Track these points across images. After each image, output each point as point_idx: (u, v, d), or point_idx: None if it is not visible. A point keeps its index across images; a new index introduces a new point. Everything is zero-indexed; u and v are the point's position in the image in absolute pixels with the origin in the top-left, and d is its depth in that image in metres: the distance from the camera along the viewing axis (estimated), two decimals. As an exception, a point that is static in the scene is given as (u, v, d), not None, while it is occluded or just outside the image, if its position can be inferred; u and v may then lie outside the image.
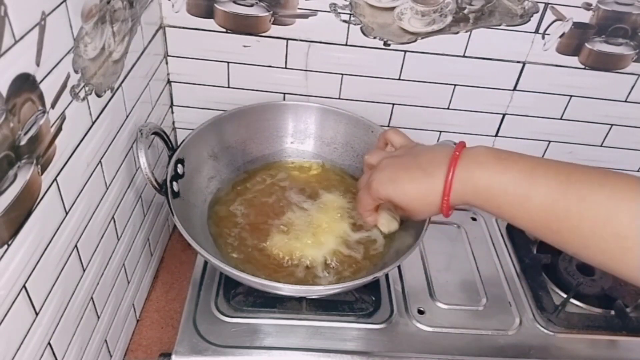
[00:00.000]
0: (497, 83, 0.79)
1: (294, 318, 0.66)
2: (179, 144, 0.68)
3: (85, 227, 0.52)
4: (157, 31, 0.71)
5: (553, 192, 0.49)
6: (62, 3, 0.42)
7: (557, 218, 0.48)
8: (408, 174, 0.57)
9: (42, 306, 0.44)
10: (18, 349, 0.41)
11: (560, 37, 0.74)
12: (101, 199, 0.55)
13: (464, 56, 0.76)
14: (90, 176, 0.51)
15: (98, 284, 0.56)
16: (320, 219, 0.70)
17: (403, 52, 0.75)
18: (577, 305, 0.73)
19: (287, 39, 0.74)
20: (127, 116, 0.61)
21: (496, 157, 0.52)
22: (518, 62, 0.77)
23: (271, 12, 0.72)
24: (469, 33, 0.74)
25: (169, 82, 0.79)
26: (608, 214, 0.46)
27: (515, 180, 0.50)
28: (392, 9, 0.71)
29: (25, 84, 0.38)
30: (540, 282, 0.75)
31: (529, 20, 0.72)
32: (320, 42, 0.75)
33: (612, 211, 0.46)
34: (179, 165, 0.67)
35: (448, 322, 0.68)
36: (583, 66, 0.77)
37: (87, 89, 0.49)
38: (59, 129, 0.44)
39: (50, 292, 0.45)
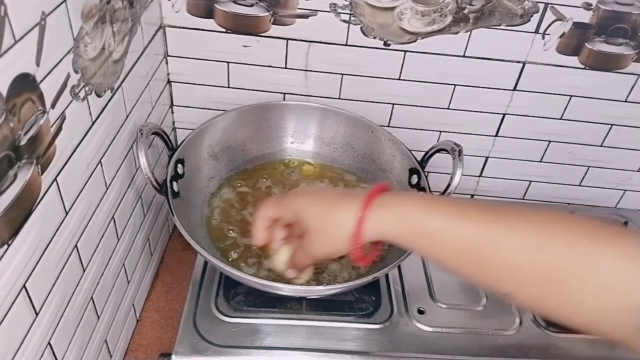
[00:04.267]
0: (497, 83, 0.79)
1: (294, 318, 0.66)
2: (179, 144, 0.68)
3: (85, 227, 0.52)
4: (157, 31, 0.71)
5: (481, 228, 0.45)
6: (62, 3, 0.42)
7: (480, 254, 0.45)
8: (325, 194, 0.54)
9: (42, 306, 0.44)
10: (18, 349, 0.41)
11: (560, 37, 0.74)
12: (101, 199, 0.55)
13: (464, 56, 0.76)
14: (90, 176, 0.51)
15: (98, 284, 0.56)
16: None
17: (403, 52, 0.75)
18: (577, 305, 0.73)
19: (287, 39, 0.74)
20: (127, 116, 0.61)
21: (421, 195, 0.50)
22: (518, 62, 0.77)
23: (271, 12, 0.72)
24: (469, 33, 0.74)
25: (169, 82, 0.79)
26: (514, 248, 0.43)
27: (442, 216, 0.46)
28: (392, 9, 0.71)
29: (25, 84, 0.38)
30: (540, 282, 0.75)
31: (529, 20, 0.72)
32: (320, 42, 0.75)
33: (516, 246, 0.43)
34: (179, 165, 0.67)
35: (448, 322, 0.68)
36: (583, 66, 0.77)
37: (87, 89, 0.49)
38: (59, 129, 0.44)
39: (50, 292, 0.45)
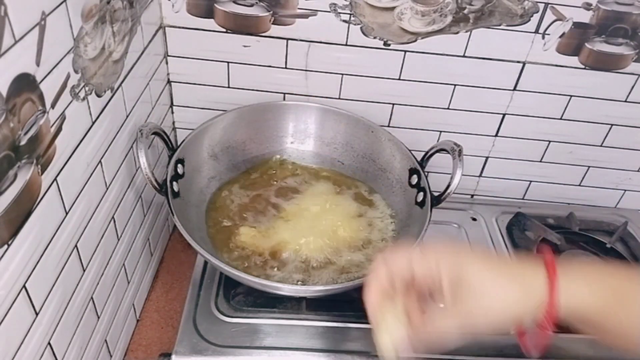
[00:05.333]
0: (497, 83, 0.79)
1: (294, 318, 0.66)
2: (179, 144, 0.68)
3: (85, 227, 0.52)
4: (157, 31, 0.71)
5: None
6: (62, 3, 0.42)
7: None
8: (491, 260, 0.42)
9: (42, 306, 0.44)
10: (18, 349, 0.41)
11: (560, 37, 0.74)
12: (101, 199, 0.55)
13: (464, 56, 0.76)
14: (90, 176, 0.51)
15: (98, 284, 0.56)
16: (322, 217, 0.70)
17: (403, 52, 0.75)
18: (577, 305, 0.73)
19: (287, 39, 0.74)
20: (127, 116, 0.61)
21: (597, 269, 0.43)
22: (518, 62, 0.77)
23: (271, 12, 0.72)
24: (469, 33, 0.73)
25: (169, 82, 0.79)
26: None
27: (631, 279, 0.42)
28: (392, 9, 0.71)
29: (25, 84, 0.38)
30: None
31: (529, 20, 0.72)
32: (320, 42, 0.75)
33: None
34: (179, 165, 0.67)
35: (448, 322, 0.68)
36: (583, 66, 0.77)
37: (87, 89, 0.49)
38: (59, 129, 0.44)
39: (50, 292, 0.45)
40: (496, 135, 0.85)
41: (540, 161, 0.88)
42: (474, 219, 0.86)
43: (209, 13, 0.72)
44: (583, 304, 0.41)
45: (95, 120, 0.52)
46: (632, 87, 0.79)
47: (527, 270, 0.42)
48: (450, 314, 0.42)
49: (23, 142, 0.39)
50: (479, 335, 0.42)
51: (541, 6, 0.71)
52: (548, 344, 0.42)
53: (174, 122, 0.84)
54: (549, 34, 0.74)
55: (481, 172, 0.90)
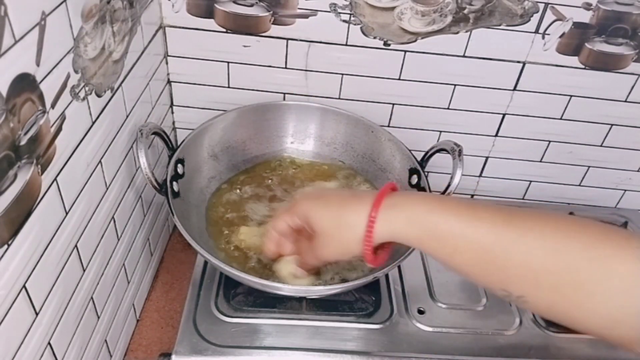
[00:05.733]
0: (497, 83, 0.79)
1: (294, 318, 0.66)
2: (179, 144, 0.68)
3: (85, 227, 0.52)
4: (157, 31, 0.71)
5: (496, 230, 0.44)
6: (62, 3, 0.42)
7: (494, 257, 0.44)
8: (333, 196, 0.54)
9: (42, 306, 0.44)
10: (18, 349, 0.41)
11: (560, 37, 0.74)
12: (101, 199, 0.55)
13: (464, 56, 0.76)
14: (90, 176, 0.51)
15: (98, 284, 0.56)
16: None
17: (403, 52, 0.75)
18: (577, 305, 0.73)
19: (287, 39, 0.74)
20: (127, 116, 0.61)
21: (431, 196, 0.49)
22: (518, 62, 0.77)
23: (271, 12, 0.72)
24: (469, 33, 0.74)
25: (169, 82, 0.79)
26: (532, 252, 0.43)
27: (456, 218, 0.46)
28: (392, 9, 0.71)
29: (25, 84, 0.38)
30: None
31: (529, 20, 0.72)
32: (320, 42, 0.75)
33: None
34: (179, 165, 0.67)
35: (448, 322, 0.68)
36: (583, 66, 0.77)
37: (87, 89, 0.49)
38: (59, 129, 0.44)
39: (50, 292, 0.45)
40: (496, 135, 0.85)
41: (540, 161, 0.88)
42: (474, 219, 0.86)
43: (209, 13, 0.72)
44: (399, 234, 0.48)
45: (95, 120, 0.52)
46: (632, 87, 0.79)
47: (357, 208, 0.49)
48: (312, 250, 0.54)
49: (23, 142, 0.39)
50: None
51: (541, 6, 0.71)
52: (378, 262, 0.52)
53: (174, 122, 0.84)
54: (549, 34, 0.74)
55: (481, 172, 0.90)
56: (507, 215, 0.45)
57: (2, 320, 0.39)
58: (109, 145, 0.56)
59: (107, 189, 0.56)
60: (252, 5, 0.71)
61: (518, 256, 0.43)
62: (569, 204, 0.94)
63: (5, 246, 0.38)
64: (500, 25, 0.73)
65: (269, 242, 0.58)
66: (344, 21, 0.72)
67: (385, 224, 0.48)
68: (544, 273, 0.42)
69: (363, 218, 0.48)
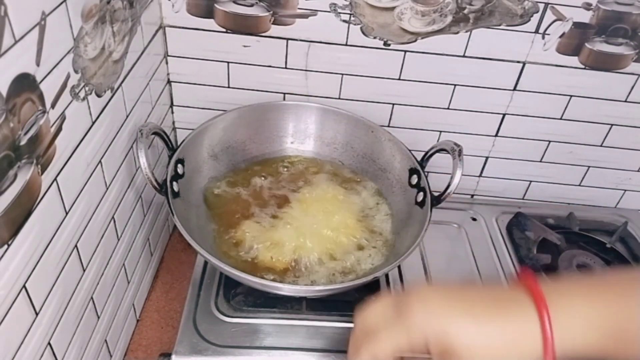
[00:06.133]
0: (497, 83, 0.79)
1: (294, 318, 0.66)
2: (179, 144, 0.68)
3: (85, 227, 0.52)
4: (157, 31, 0.71)
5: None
6: (62, 3, 0.42)
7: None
8: (478, 300, 0.38)
9: (42, 306, 0.44)
10: (18, 349, 0.41)
11: (560, 37, 0.74)
12: (101, 199, 0.55)
13: (464, 56, 0.76)
14: (90, 176, 0.51)
15: (98, 284, 0.56)
16: (322, 217, 0.70)
17: (403, 52, 0.75)
18: (577, 305, 0.73)
19: (287, 39, 0.74)
20: (127, 116, 0.61)
21: (585, 282, 0.39)
22: (518, 62, 0.77)
23: (271, 12, 0.72)
24: (469, 33, 0.74)
25: (169, 82, 0.79)
26: None
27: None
28: (392, 9, 0.71)
29: (25, 84, 0.38)
30: (540, 282, 0.75)
31: (529, 20, 0.72)
32: (320, 42, 0.75)
33: None
34: (179, 165, 0.67)
35: (448, 322, 0.68)
36: (583, 66, 0.77)
37: (87, 89, 0.49)
38: (59, 129, 0.44)
39: (50, 292, 0.45)
40: (496, 135, 0.85)
41: (540, 161, 0.88)
42: (474, 219, 0.86)
43: (209, 13, 0.72)
44: (581, 344, 0.37)
45: (95, 120, 0.52)
46: (632, 87, 0.79)
47: (516, 312, 0.37)
48: None
49: (23, 142, 0.39)
50: None
51: (541, 6, 0.71)
52: None
53: (174, 122, 0.84)
54: (549, 34, 0.74)
55: (481, 172, 0.90)
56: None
57: (2, 320, 0.39)
58: (109, 145, 0.56)
59: (107, 189, 0.56)
60: (252, 5, 0.71)
61: None
62: (569, 204, 0.94)
63: (5, 246, 0.38)
64: (500, 25, 0.73)
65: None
66: (344, 21, 0.72)
67: (563, 333, 0.36)
68: None
69: (529, 327, 0.36)
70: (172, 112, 0.82)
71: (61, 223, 0.46)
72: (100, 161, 0.54)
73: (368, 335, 0.39)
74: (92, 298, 0.55)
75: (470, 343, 0.36)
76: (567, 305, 0.37)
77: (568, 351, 0.37)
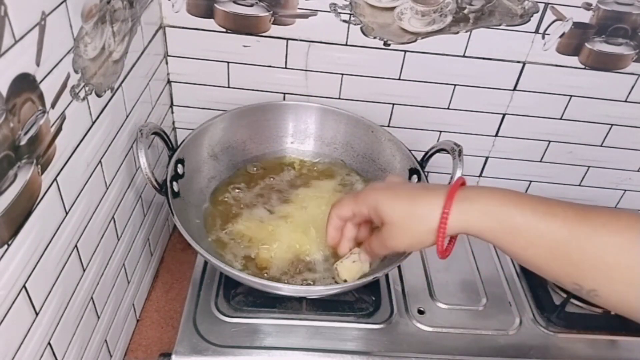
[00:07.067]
0: (497, 83, 0.79)
1: (294, 318, 0.66)
2: (179, 144, 0.68)
3: (85, 227, 0.52)
4: (157, 31, 0.71)
5: (570, 225, 0.45)
6: (62, 3, 0.42)
7: (568, 251, 0.45)
8: (403, 188, 0.54)
9: (42, 306, 0.44)
10: (18, 349, 0.41)
11: (560, 37, 0.74)
12: (101, 199, 0.55)
13: (464, 56, 0.76)
14: (90, 176, 0.51)
15: (98, 284, 0.56)
16: (322, 216, 0.70)
17: (403, 52, 0.75)
18: (577, 305, 0.73)
19: (287, 39, 0.74)
20: (127, 116, 0.61)
21: (502, 190, 0.49)
22: (518, 62, 0.77)
23: (271, 12, 0.72)
24: (469, 33, 0.74)
25: (169, 82, 0.79)
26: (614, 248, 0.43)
27: (531, 212, 0.46)
28: (392, 9, 0.71)
29: (25, 84, 0.38)
30: (540, 282, 0.75)
31: (529, 20, 0.72)
32: (320, 42, 0.75)
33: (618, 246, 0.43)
34: (179, 165, 0.67)
35: (448, 322, 0.68)
36: (583, 66, 0.77)
37: (87, 89, 0.49)
38: (59, 129, 0.44)
39: (50, 292, 0.45)
40: (496, 135, 0.85)
41: (540, 161, 0.88)
42: (474, 219, 0.86)
43: (209, 13, 0.72)
44: (472, 227, 0.48)
45: (95, 120, 0.52)
46: (632, 87, 0.79)
47: (430, 198, 0.50)
48: (379, 240, 0.54)
49: (23, 142, 0.39)
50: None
51: (541, 6, 0.71)
52: (447, 253, 0.52)
53: (174, 122, 0.84)
54: (549, 34, 0.74)
55: (481, 172, 0.90)
56: (581, 210, 0.46)
57: (2, 320, 0.39)
58: (109, 145, 0.56)
59: (107, 189, 0.56)
60: (252, 5, 0.71)
61: (592, 251, 0.44)
62: (569, 204, 0.94)
63: (5, 246, 0.38)
64: (500, 25, 0.73)
65: (330, 228, 0.58)
66: (344, 21, 0.72)
67: (459, 217, 0.48)
68: (618, 268, 0.43)
69: (436, 210, 0.49)
70: (172, 112, 0.82)
71: (61, 223, 0.46)
72: (100, 161, 0.54)
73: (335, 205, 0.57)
74: (92, 298, 0.55)
75: (390, 212, 0.51)
76: (472, 199, 0.48)
77: (462, 229, 0.49)
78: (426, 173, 0.71)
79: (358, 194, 0.55)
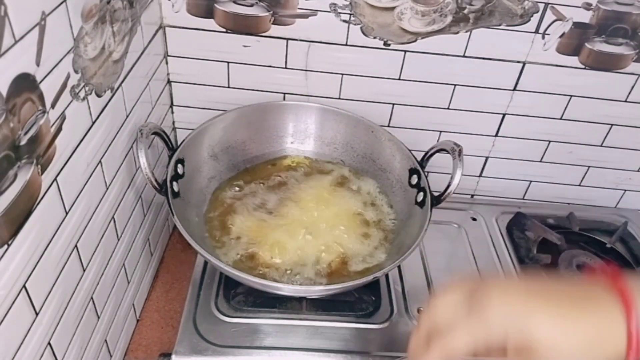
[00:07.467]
0: (497, 83, 0.79)
1: (294, 318, 0.66)
2: (179, 144, 0.68)
3: (85, 227, 0.52)
4: (157, 31, 0.71)
5: None
6: (62, 3, 0.42)
7: None
8: (564, 296, 0.37)
9: (42, 306, 0.44)
10: (18, 349, 0.41)
11: (560, 37, 0.74)
12: (101, 199, 0.55)
13: (464, 56, 0.76)
14: (90, 176, 0.51)
15: (98, 284, 0.56)
16: (322, 216, 0.70)
17: (403, 52, 0.75)
18: (577, 305, 0.73)
19: (287, 39, 0.74)
20: (127, 116, 0.61)
21: None
22: (518, 62, 0.77)
23: (271, 12, 0.72)
24: (469, 33, 0.74)
25: (169, 82, 0.79)
26: None
27: None
28: (392, 9, 0.71)
29: (25, 84, 0.38)
30: (540, 282, 0.75)
31: (529, 20, 0.72)
32: (320, 42, 0.75)
33: None
34: (179, 165, 0.67)
35: (448, 322, 0.68)
36: (583, 66, 0.77)
37: (87, 89, 0.49)
38: (59, 129, 0.44)
39: (50, 292, 0.45)
40: (496, 135, 0.85)
41: (540, 161, 0.88)
42: (474, 219, 0.86)
43: (209, 13, 0.72)
44: None
45: (95, 120, 0.52)
46: (632, 87, 0.79)
47: (600, 311, 0.36)
48: None
49: (23, 142, 0.39)
50: None
51: (541, 6, 0.71)
52: None
53: (174, 122, 0.84)
54: (549, 34, 0.74)
55: (481, 172, 0.90)
56: None
57: (2, 320, 0.39)
58: (109, 145, 0.56)
59: (107, 189, 0.56)
60: (252, 5, 0.71)
61: None
62: (569, 204, 0.94)
63: (5, 246, 0.38)
64: (500, 25, 0.73)
65: (414, 341, 0.40)
66: (344, 21, 0.72)
67: None
68: None
69: (616, 329, 0.35)
70: (172, 112, 0.82)
71: (61, 223, 0.46)
72: (100, 161, 0.54)
73: (439, 332, 0.37)
74: (92, 298, 0.55)
75: (551, 341, 0.35)
76: None
77: None
78: (426, 173, 0.71)
79: (484, 307, 0.35)
